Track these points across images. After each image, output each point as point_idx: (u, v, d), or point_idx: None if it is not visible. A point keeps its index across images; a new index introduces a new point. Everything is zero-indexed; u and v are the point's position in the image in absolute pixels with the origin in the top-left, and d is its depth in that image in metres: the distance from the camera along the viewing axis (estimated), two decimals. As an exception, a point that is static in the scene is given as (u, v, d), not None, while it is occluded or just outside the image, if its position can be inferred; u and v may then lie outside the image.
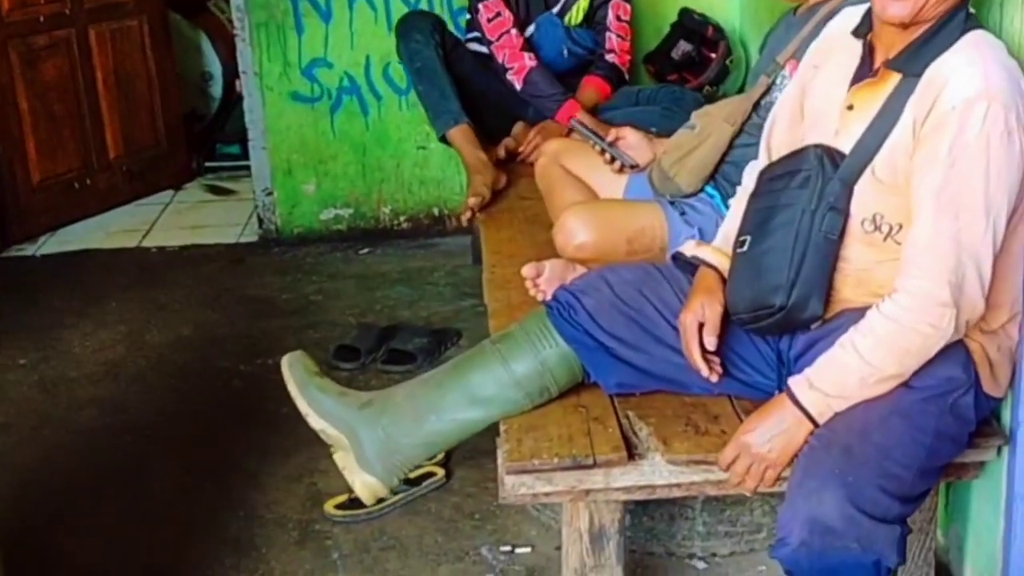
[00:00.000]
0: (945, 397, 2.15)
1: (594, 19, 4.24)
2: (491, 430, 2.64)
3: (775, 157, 2.45)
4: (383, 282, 4.61)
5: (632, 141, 3.21)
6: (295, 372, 2.56)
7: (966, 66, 2.10)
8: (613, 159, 3.19)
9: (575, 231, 2.88)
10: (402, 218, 5.07)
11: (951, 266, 2.07)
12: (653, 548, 2.83)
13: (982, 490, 2.55)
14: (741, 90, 4.52)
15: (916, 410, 2.12)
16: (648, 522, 2.80)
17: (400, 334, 3.97)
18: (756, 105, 2.96)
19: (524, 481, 2.35)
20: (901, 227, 2.18)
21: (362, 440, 2.48)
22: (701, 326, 2.35)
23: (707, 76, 4.61)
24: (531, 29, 4.20)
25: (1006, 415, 2.38)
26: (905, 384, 2.13)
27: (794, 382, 2.20)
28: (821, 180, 2.23)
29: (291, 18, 4.86)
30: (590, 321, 2.43)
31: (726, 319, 2.37)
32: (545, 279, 2.94)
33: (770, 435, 2.19)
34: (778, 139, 2.50)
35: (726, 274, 2.43)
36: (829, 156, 2.25)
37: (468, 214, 3.80)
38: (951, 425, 2.16)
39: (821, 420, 2.17)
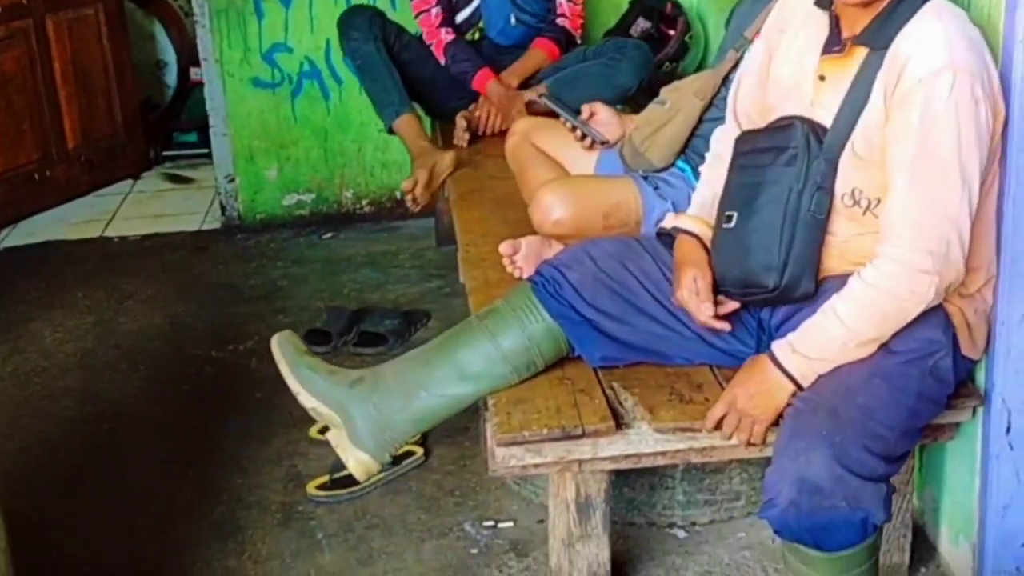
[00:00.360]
0: (926, 360, 2.22)
1: None
2: (468, 409, 2.70)
3: (744, 123, 2.50)
4: (349, 266, 4.64)
5: (603, 118, 3.25)
6: (285, 351, 2.58)
7: (929, 38, 2.15)
8: (584, 136, 3.24)
9: (552, 207, 2.92)
10: (364, 202, 5.10)
11: (930, 234, 2.13)
12: (634, 518, 2.87)
13: (957, 452, 2.62)
14: (701, 66, 4.60)
15: (898, 373, 2.18)
16: (629, 493, 2.85)
17: (370, 317, 3.99)
18: (725, 79, 3.00)
19: (514, 453, 2.40)
20: (879, 201, 2.23)
21: (354, 417, 2.51)
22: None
23: (666, 53, 4.68)
24: (477, 2, 4.28)
25: (981, 377, 2.45)
26: (887, 348, 2.20)
27: (777, 347, 2.26)
28: (807, 159, 2.28)
29: (251, 3, 4.88)
30: (575, 295, 2.48)
31: (713, 287, 2.43)
32: (522, 256, 2.98)
33: (754, 392, 2.27)
34: (744, 104, 2.55)
35: (707, 241, 2.48)
36: (814, 133, 2.29)
37: (413, 204, 3.95)
38: (932, 387, 2.23)
39: (804, 383, 2.24)
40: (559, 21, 4.32)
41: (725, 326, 2.40)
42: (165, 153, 6.05)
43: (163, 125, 6.21)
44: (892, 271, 2.15)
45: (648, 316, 2.49)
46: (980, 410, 2.46)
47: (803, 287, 2.31)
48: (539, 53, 4.28)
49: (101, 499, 3.14)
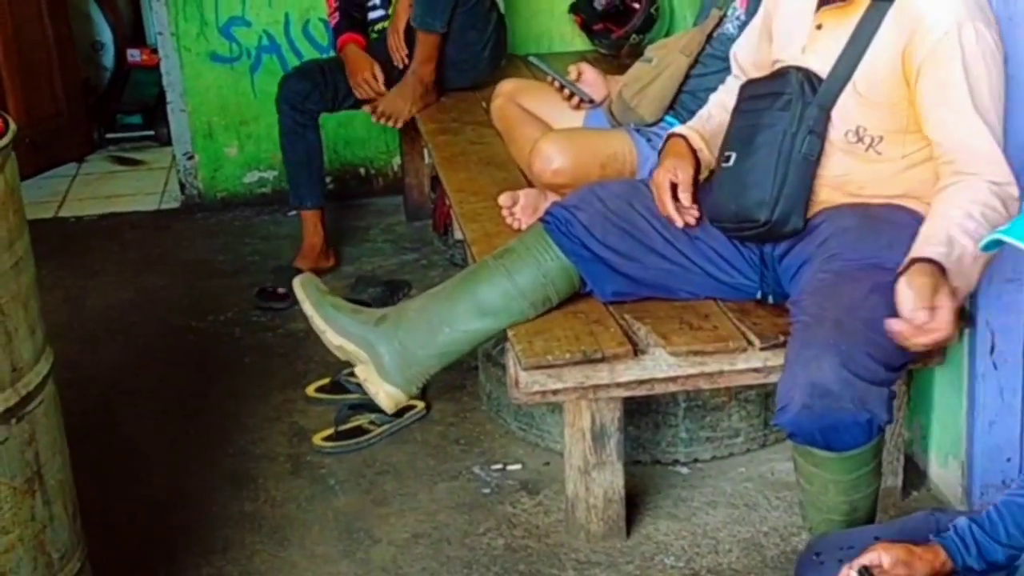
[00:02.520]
0: (919, 277, 2.62)
1: None
2: (463, 366, 3.20)
3: (750, 72, 2.91)
4: (319, 241, 4.97)
5: (589, 78, 3.65)
6: (309, 292, 2.92)
7: None
8: (572, 95, 3.63)
9: (552, 157, 3.29)
10: (328, 179, 5.38)
11: (1006, 162, 2.53)
12: (639, 456, 3.26)
13: (944, 378, 3.05)
14: (667, 36, 5.00)
15: (893, 289, 2.59)
16: (634, 431, 3.23)
17: (354, 285, 4.35)
18: (709, 37, 3.42)
19: (537, 379, 2.77)
20: (883, 139, 2.64)
21: (381, 354, 2.87)
22: (674, 187, 2.80)
23: (633, 24, 5.04)
24: None
25: (967, 302, 2.87)
26: (882, 267, 2.59)
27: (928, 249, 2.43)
28: (801, 104, 2.68)
29: (208, -24, 5.18)
30: (586, 234, 2.86)
31: (696, 182, 2.84)
32: (520, 207, 3.36)
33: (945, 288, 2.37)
34: (745, 57, 2.98)
35: (692, 141, 2.89)
36: (809, 81, 2.69)
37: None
38: (924, 301, 2.63)
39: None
40: None
41: (679, 220, 2.79)
42: (109, 135, 6.33)
43: (104, 107, 6.49)
44: (997, 205, 2.48)
45: (656, 253, 2.87)
46: (967, 334, 2.88)
47: (792, 223, 2.71)
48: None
49: (101, 456, 3.39)
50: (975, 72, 2.53)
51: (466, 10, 4.49)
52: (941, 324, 2.31)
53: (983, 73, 2.53)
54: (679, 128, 2.95)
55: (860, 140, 2.66)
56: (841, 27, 2.67)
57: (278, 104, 4.60)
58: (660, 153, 2.93)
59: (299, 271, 4.05)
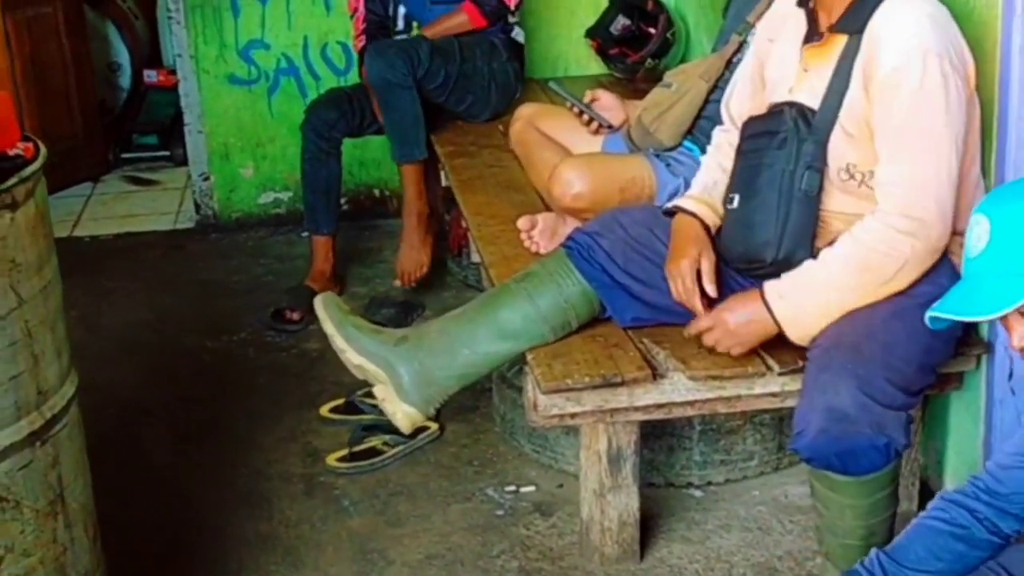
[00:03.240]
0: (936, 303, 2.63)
1: None
2: (476, 388, 3.20)
3: (739, 123, 2.92)
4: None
5: (606, 103, 3.66)
6: (330, 312, 2.93)
7: (898, 23, 2.58)
8: (590, 120, 3.64)
9: (571, 182, 3.31)
10: (343, 200, 5.40)
11: (909, 199, 2.55)
12: (653, 479, 3.26)
13: (961, 404, 3.04)
14: (682, 63, 5.02)
15: (912, 314, 2.56)
16: (648, 454, 3.22)
17: (367, 306, 4.36)
18: (729, 63, 3.43)
19: (556, 402, 2.78)
20: (871, 174, 2.65)
21: (400, 373, 2.87)
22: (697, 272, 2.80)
23: (649, 49, 5.06)
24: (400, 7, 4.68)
25: (985, 328, 2.87)
26: (903, 293, 2.60)
27: (768, 288, 2.66)
28: (797, 141, 2.69)
29: (227, 0, 5.21)
30: (608, 260, 2.87)
31: (718, 264, 2.83)
32: (539, 231, 3.37)
33: (742, 323, 2.67)
34: (738, 107, 2.98)
35: (707, 221, 2.88)
36: (803, 116, 2.70)
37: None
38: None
39: (787, 329, 2.65)
40: None
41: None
42: (124, 155, 6.36)
43: (120, 127, 6.52)
44: (874, 227, 2.57)
45: (675, 279, 2.88)
46: (984, 359, 2.88)
47: (798, 258, 2.70)
48: (460, 15, 4.52)
49: (118, 475, 3.36)
50: (915, 102, 2.53)
51: (461, 72, 4.46)
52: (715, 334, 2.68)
53: (922, 103, 2.53)
54: (689, 205, 2.91)
55: (852, 177, 2.68)
56: (824, 65, 2.69)
57: (303, 131, 4.60)
58: (672, 233, 2.89)
59: (313, 292, 4.11)
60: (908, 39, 2.55)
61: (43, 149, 2.30)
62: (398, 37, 4.64)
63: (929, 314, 2.06)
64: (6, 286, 2.13)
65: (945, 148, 2.56)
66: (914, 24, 2.56)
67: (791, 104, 2.72)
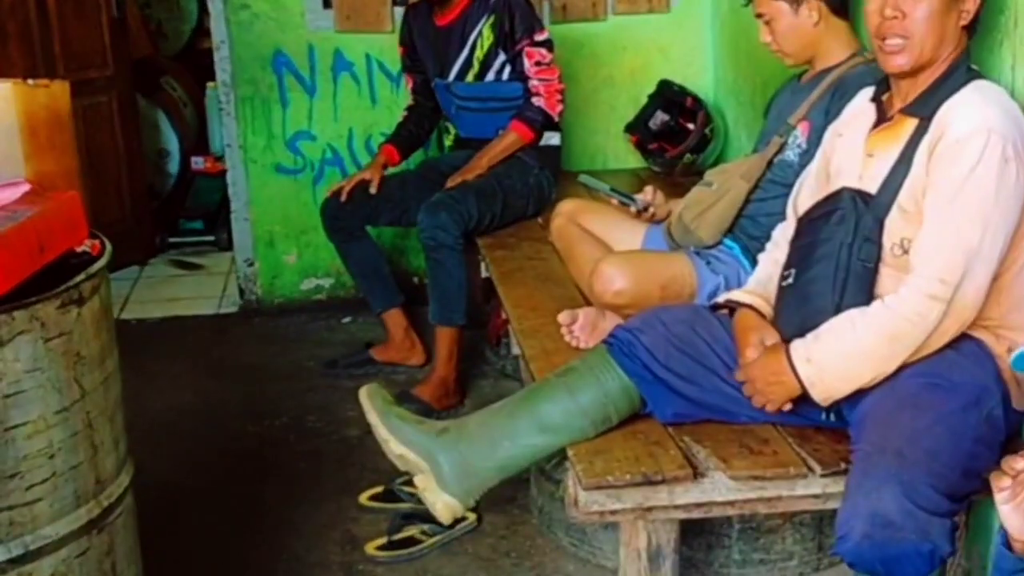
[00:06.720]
0: (980, 407, 2.57)
1: (515, 71, 4.52)
2: (514, 479, 3.04)
3: None
4: (373, 349, 4.96)
5: (658, 198, 3.65)
6: (375, 402, 2.90)
7: (968, 105, 2.58)
8: (639, 212, 3.62)
9: (613, 278, 3.28)
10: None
11: (944, 265, 2.52)
12: (691, 576, 3.20)
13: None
14: (719, 158, 5.02)
15: (957, 419, 2.53)
16: (687, 551, 3.16)
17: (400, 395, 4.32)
18: (770, 163, 3.41)
19: (596, 498, 2.71)
20: None
21: (441, 464, 2.83)
22: None
23: (687, 145, 5.08)
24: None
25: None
26: (947, 393, 2.55)
27: (794, 348, 2.64)
28: (855, 215, 2.68)
29: (276, 92, 5.25)
30: (649, 356, 2.83)
31: None
32: (579, 326, 3.33)
33: (770, 382, 2.67)
34: (804, 203, 2.95)
35: (762, 310, 2.85)
36: (861, 197, 2.70)
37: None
38: (987, 432, 2.58)
39: (811, 391, 2.62)
40: (534, 100, 4.45)
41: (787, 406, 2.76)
42: (171, 240, 6.39)
43: (167, 212, 6.55)
44: (904, 293, 2.55)
45: (717, 377, 2.83)
46: (1027, 461, 2.81)
47: None
48: (511, 135, 4.50)
49: (159, 557, 3.36)
50: (970, 177, 2.51)
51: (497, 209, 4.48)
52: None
53: (978, 179, 2.51)
54: (745, 298, 2.89)
55: (905, 252, 2.64)
56: (889, 149, 2.68)
57: (322, 220, 4.67)
58: (733, 330, 2.86)
59: (371, 359, 4.27)
60: (975, 118, 2.54)
61: (108, 246, 2.29)
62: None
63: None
64: (70, 379, 2.13)
65: (992, 227, 2.52)
66: (983, 107, 2.56)
67: (849, 188, 2.72)
